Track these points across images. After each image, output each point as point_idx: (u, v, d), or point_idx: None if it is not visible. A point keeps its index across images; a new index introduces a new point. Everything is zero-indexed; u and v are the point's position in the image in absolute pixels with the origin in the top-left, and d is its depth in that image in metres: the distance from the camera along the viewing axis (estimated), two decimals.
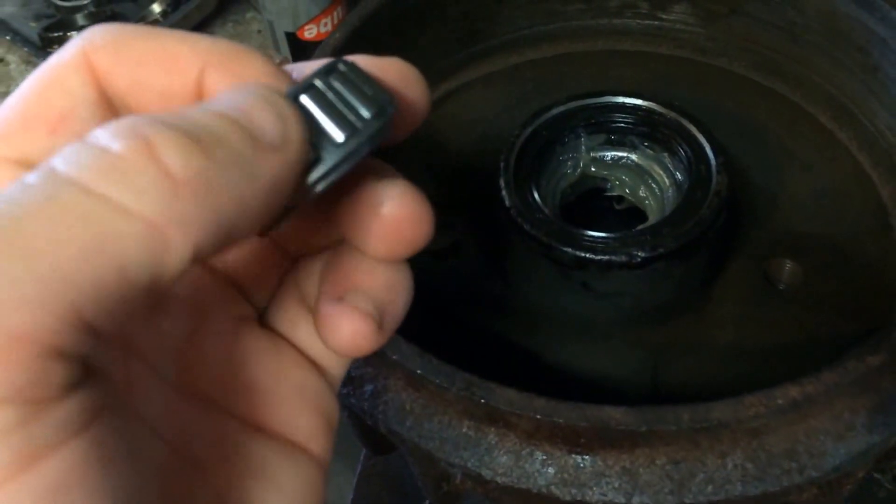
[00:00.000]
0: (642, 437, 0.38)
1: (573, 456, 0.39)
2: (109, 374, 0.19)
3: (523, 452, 0.39)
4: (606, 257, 0.47)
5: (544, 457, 0.39)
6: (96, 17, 0.88)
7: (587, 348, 0.50)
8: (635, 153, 0.54)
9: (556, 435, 0.38)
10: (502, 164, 0.51)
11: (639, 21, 0.65)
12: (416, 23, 0.59)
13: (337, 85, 0.22)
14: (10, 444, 0.16)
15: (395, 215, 0.23)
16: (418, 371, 0.40)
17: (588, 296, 0.49)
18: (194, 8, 0.88)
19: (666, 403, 0.38)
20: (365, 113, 0.22)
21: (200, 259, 0.19)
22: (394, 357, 0.40)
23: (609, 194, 0.56)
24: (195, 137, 0.19)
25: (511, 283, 0.53)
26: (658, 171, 0.54)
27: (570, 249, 0.47)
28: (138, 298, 0.18)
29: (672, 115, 0.53)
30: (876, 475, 0.65)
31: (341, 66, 0.22)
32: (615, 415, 0.37)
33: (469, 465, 0.40)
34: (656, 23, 0.65)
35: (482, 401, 0.38)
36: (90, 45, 0.22)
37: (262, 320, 0.27)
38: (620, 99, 0.54)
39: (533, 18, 0.65)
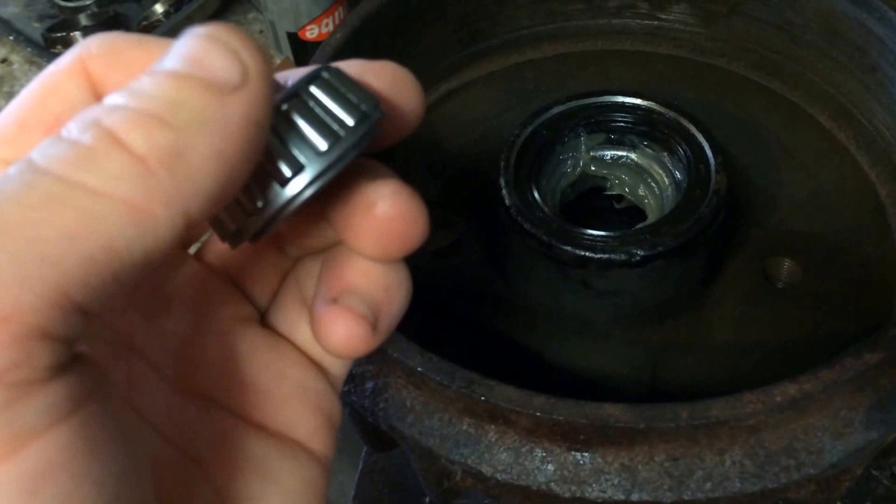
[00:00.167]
0: (641, 434, 0.38)
1: (573, 453, 0.39)
2: (97, 360, 0.19)
3: (523, 450, 0.40)
4: (606, 256, 0.47)
5: (544, 454, 0.39)
6: (99, 18, 0.88)
7: (587, 346, 0.50)
8: (635, 152, 0.55)
9: (555, 432, 0.39)
10: (502, 164, 0.51)
11: (638, 21, 0.65)
12: (417, 23, 0.60)
13: (319, 93, 0.22)
14: None
15: (387, 215, 0.23)
16: (419, 369, 0.40)
17: (588, 294, 0.49)
18: (196, 8, 0.89)
19: (665, 401, 0.38)
20: (348, 120, 0.22)
21: (201, 219, 0.19)
22: (394, 355, 0.40)
23: (609, 193, 0.57)
24: (153, 113, 0.19)
25: (511, 281, 0.53)
26: (657, 170, 0.54)
27: (569, 248, 0.47)
28: (134, 274, 0.18)
29: (671, 114, 0.53)
30: (874, 472, 0.65)
31: (325, 74, 0.23)
32: (614, 412, 0.37)
33: (469, 462, 0.40)
34: (656, 23, 0.65)
35: (482, 398, 0.39)
36: (86, 52, 0.23)
37: (264, 320, 0.28)
38: (620, 98, 0.54)
39: (533, 18, 0.65)
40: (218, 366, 0.26)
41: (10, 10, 0.93)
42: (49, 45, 0.87)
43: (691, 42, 0.65)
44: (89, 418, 0.18)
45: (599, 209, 0.58)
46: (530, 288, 0.52)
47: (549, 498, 0.39)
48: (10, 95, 0.88)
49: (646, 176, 0.55)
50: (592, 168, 0.55)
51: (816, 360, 0.39)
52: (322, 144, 0.22)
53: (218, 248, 0.27)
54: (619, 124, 0.54)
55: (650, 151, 0.54)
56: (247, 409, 0.26)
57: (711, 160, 0.50)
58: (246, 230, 0.23)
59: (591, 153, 0.55)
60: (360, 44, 0.54)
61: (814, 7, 0.58)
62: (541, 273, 0.50)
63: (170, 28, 0.86)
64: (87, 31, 0.86)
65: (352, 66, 0.24)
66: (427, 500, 0.60)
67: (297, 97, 0.22)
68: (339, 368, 0.28)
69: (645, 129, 0.54)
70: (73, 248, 0.17)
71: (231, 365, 0.26)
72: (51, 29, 0.88)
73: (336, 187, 0.23)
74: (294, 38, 0.82)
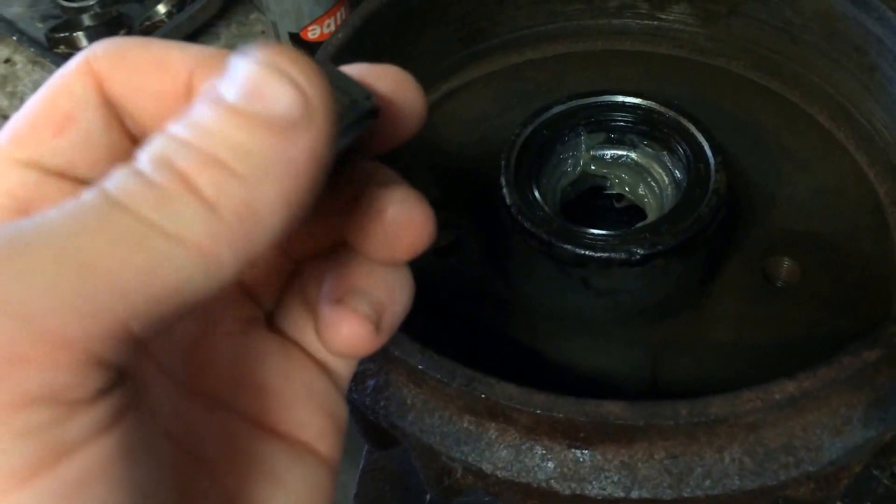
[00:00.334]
0: (641, 431, 0.38)
1: (573, 450, 0.39)
2: (135, 374, 0.20)
3: (523, 447, 0.40)
4: (606, 255, 0.47)
5: (544, 451, 0.40)
6: (102, 18, 0.89)
7: (587, 345, 0.50)
8: (635, 152, 0.55)
9: (555, 430, 0.39)
10: (503, 163, 0.51)
11: (638, 21, 0.66)
12: (418, 23, 0.60)
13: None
14: (40, 441, 0.17)
15: (397, 220, 0.24)
16: (420, 367, 0.40)
17: (588, 293, 0.50)
18: (199, 9, 0.89)
19: (665, 399, 0.38)
20: (347, 97, 0.22)
21: (262, 258, 0.20)
22: (395, 353, 0.41)
23: (609, 192, 0.57)
24: (221, 160, 0.19)
25: (512, 280, 0.53)
26: (657, 169, 0.54)
27: (570, 247, 0.47)
28: (189, 310, 0.19)
29: (671, 114, 0.53)
30: (874, 472, 0.66)
31: (320, 64, 0.23)
32: (614, 409, 0.38)
33: (470, 459, 0.40)
34: (655, 23, 0.65)
35: (483, 396, 0.39)
36: (93, 55, 0.23)
37: (270, 322, 0.28)
38: (620, 98, 0.54)
39: (533, 18, 0.65)
40: (226, 368, 0.26)
41: (14, 11, 0.93)
42: (52, 46, 0.87)
43: (691, 42, 0.65)
44: (126, 430, 0.19)
45: (599, 208, 0.58)
46: (531, 287, 0.52)
47: (549, 495, 0.40)
48: (12, 95, 0.88)
49: (646, 175, 0.55)
50: (592, 167, 0.56)
51: (815, 359, 0.39)
52: None
53: None
54: (619, 124, 0.54)
55: (650, 151, 0.54)
56: (255, 411, 0.26)
57: (711, 159, 0.50)
58: None
59: (592, 152, 0.55)
60: (361, 44, 0.55)
61: (813, 7, 0.58)
62: (541, 272, 0.50)
63: (172, 28, 0.87)
64: (89, 32, 0.86)
65: (354, 70, 0.24)
66: (428, 497, 0.61)
67: None
68: (344, 370, 0.28)
69: (645, 129, 0.54)
70: (144, 286, 0.18)
71: (239, 367, 0.26)
72: (54, 29, 0.88)
73: (344, 192, 0.24)
74: (296, 39, 0.82)
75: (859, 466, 0.40)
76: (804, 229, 0.54)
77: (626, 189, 0.56)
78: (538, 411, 0.38)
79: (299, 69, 0.20)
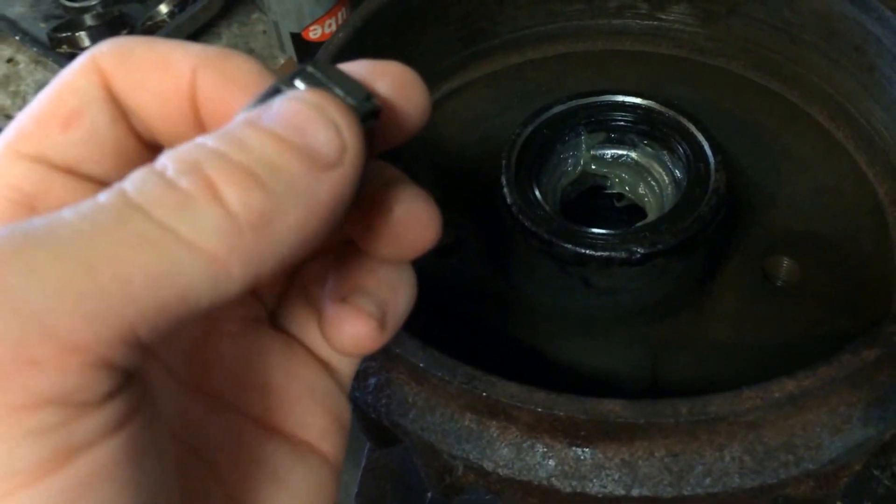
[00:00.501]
0: (641, 429, 0.38)
1: (573, 448, 0.39)
2: (142, 377, 0.20)
3: (524, 445, 0.40)
4: (606, 254, 0.47)
5: (545, 449, 0.40)
6: (104, 18, 0.89)
7: (587, 343, 0.50)
8: (635, 151, 0.55)
9: (556, 428, 0.39)
10: (504, 163, 0.51)
11: (638, 21, 0.66)
12: (419, 22, 0.60)
13: (324, 71, 0.22)
14: (48, 443, 0.17)
15: (405, 219, 0.24)
16: (421, 365, 0.40)
17: (588, 292, 0.50)
18: (200, 9, 0.89)
19: (665, 397, 0.38)
20: (350, 101, 0.22)
21: (267, 281, 0.20)
22: (397, 351, 0.41)
23: (609, 192, 0.57)
24: (253, 173, 0.19)
25: (512, 279, 0.53)
26: (657, 168, 0.54)
27: (570, 246, 0.48)
28: (191, 319, 0.19)
29: (671, 113, 0.53)
30: (874, 472, 0.66)
31: (319, 64, 0.23)
32: (615, 408, 0.38)
33: (471, 457, 0.40)
34: (655, 23, 0.65)
35: (484, 394, 0.39)
36: (99, 52, 0.24)
37: (273, 321, 0.28)
38: (620, 98, 0.55)
39: (534, 19, 0.65)
40: (229, 367, 0.26)
41: (16, 10, 0.93)
42: (54, 45, 0.87)
43: (691, 42, 0.65)
44: (134, 432, 0.19)
45: (600, 208, 0.58)
46: (531, 286, 0.52)
47: (549, 493, 0.40)
48: (15, 95, 0.88)
49: (646, 174, 0.55)
50: (593, 167, 0.56)
51: (815, 357, 0.39)
52: None
53: None
54: (619, 123, 0.54)
55: (650, 150, 0.54)
56: (259, 410, 0.26)
57: (711, 159, 0.51)
58: None
59: (592, 152, 0.55)
60: (362, 44, 0.55)
61: (812, 7, 0.58)
62: (542, 271, 0.51)
63: (174, 28, 0.87)
64: (92, 32, 0.87)
65: (357, 67, 0.24)
66: (429, 496, 0.61)
67: (278, 91, 0.22)
68: (347, 369, 0.28)
69: (645, 128, 0.54)
70: (153, 291, 0.18)
71: (243, 366, 0.26)
72: (56, 29, 0.88)
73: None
74: (297, 39, 0.82)
75: (859, 465, 0.41)
76: (804, 229, 0.54)
77: (627, 188, 0.56)
78: (539, 409, 0.38)
79: (341, 115, 0.21)
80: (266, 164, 0.19)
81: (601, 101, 0.55)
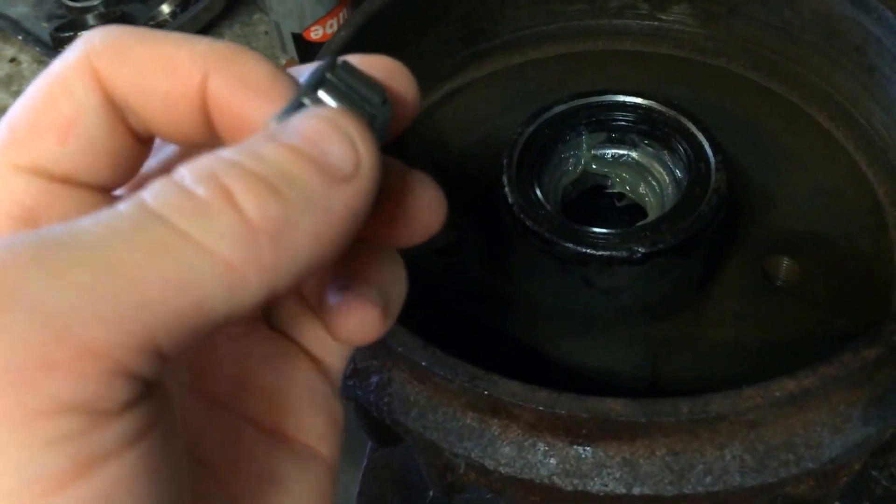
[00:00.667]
0: (642, 428, 0.38)
1: (575, 447, 0.40)
2: (163, 388, 0.20)
3: (526, 443, 0.40)
4: (607, 253, 0.47)
5: (546, 448, 0.40)
6: (106, 18, 0.89)
7: (588, 342, 0.51)
8: (635, 151, 0.55)
9: (557, 426, 0.39)
10: (505, 162, 0.52)
11: (639, 21, 0.66)
12: (420, 22, 0.60)
13: (344, 76, 0.22)
14: (68, 452, 0.17)
15: (419, 202, 0.24)
16: (423, 363, 0.40)
17: (589, 291, 0.50)
18: (202, 9, 0.89)
19: (665, 396, 0.38)
20: (376, 100, 0.22)
21: (282, 294, 0.20)
22: (399, 349, 0.41)
23: (610, 191, 0.57)
24: (269, 182, 0.19)
25: (514, 278, 0.54)
26: (658, 168, 0.54)
27: (571, 245, 0.48)
28: (209, 331, 0.19)
29: (672, 113, 0.53)
30: (873, 473, 0.66)
31: (340, 62, 0.23)
32: (616, 406, 0.38)
33: (473, 455, 0.40)
34: (656, 23, 0.66)
35: (485, 393, 0.39)
36: (92, 49, 0.23)
37: (267, 320, 0.28)
38: (621, 97, 0.55)
39: (535, 19, 0.65)
40: (229, 369, 0.26)
41: (19, 10, 0.93)
42: (57, 45, 0.87)
43: (691, 42, 0.65)
44: (153, 445, 0.19)
45: (601, 207, 0.58)
46: (532, 285, 0.53)
47: (551, 491, 0.40)
48: (17, 94, 0.88)
49: (646, 174, 0.55)
50: (594, 166, 0.56)
51: (815, 357, 0.39)
52: None
53: None
54: (619, 123, 0.55)
55: (651, 150, 0.54)
56: (259, 413, 0.26)
57: (711, 159, 0.51)
58: None
59: (593, 152, 0.56)
60: (363, 44, 0.55)
61: (812, 8, 0.58)
62: (543, 270, 0.51)
63: (176, 28, 0.87)
64: None
65: (349, 59, 0.24)
66: (430, 494, 0.61)
67: (328, 82, 0.22)
68: (338, 366, 0.28)
69: (645, 128, 0.54)
70: (170, 297, 0.18)
71: (242, 368, 0.26)
72: (59, 29, 0.88)
73: None
74: (299, 39, 0.83)
75: (859, 464, 0.41)
76: (804, 229, 0.54)
77: (627, 188, 0.56)
78: (540, 408, 0.38)
79: (359, 133, 0.21)
80: (282, 174, 0.20)
81: (602, 101, 0.55)
